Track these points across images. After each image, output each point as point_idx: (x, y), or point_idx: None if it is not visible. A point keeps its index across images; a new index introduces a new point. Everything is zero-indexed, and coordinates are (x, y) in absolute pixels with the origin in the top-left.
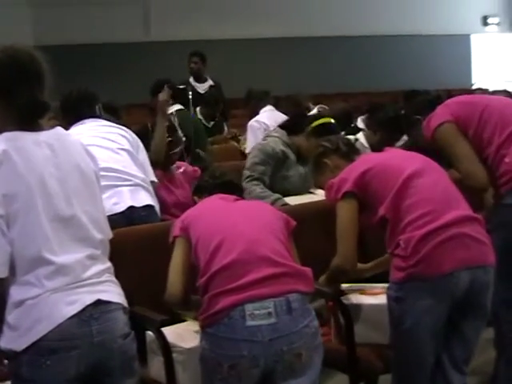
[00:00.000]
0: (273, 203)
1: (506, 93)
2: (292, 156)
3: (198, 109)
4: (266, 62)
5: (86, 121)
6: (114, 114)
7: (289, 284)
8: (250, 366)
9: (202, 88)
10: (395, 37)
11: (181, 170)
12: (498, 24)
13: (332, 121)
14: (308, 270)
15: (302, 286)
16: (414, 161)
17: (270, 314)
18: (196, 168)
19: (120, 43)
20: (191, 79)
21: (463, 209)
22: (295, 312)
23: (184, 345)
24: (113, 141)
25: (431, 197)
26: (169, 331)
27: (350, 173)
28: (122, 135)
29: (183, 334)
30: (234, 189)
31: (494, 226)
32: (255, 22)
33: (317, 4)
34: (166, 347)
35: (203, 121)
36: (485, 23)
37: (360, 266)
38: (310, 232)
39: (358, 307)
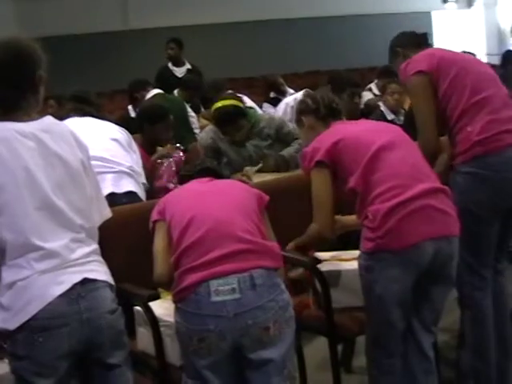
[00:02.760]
0: None
1: None
2: (223, 144)
3: (175, 91)
4: (241, 46)
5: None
6: (83, 102)
7: (253, 260)
8: (218, 340)
9: (179, 72)
10: (359, 16)
11: (171, 159)
12: (456, 1)
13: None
14: (275, 246)
15: (268, 262)
16: (385, 134)
17: (233, 289)
18: (181, 155)
19: (100, 32)
20: (169, 64)
21: (431, 181)
22: (259, 287)
23: (171, 319)
24: (106, 131)
25: (399, 170)
26: (156, 306)
27: (321, 142)
28: (117, 130)
29: (170, 309)
30: (211, 173)
31: (454, 192)
32: (230, 6)
33: None
34: (153, 321)
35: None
36: (444, 1)
37: (343, 218)
38: (285, 206)
39: (334, 273)
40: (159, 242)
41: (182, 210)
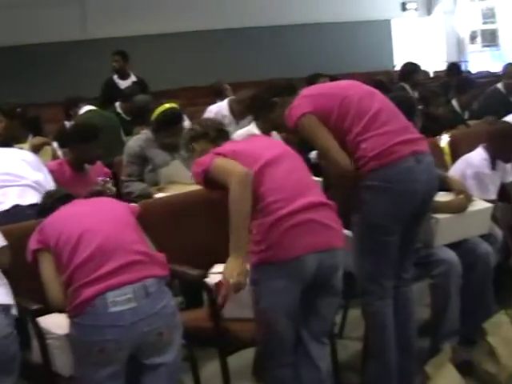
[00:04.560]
0: (140, 193)
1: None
2: (153, 150)
3: (117, 104)
4: (194, 54)
5: None
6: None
7: (145, 270)
8: (116, 349)
9: (124, 85)
10: (318, 24)
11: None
12: (416, 9)
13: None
14: (162, 256)
15: (158, 271)
16: (272, 149)
17: (130, 299)
18: (107, 171)
19: (58, 42)
20: (115, 76)
21: (314, 195)
22: (152, 295)
23: (60, 331)
24: (15, 152)
25: (283, 185)
26: (48, 319)
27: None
28: (26, 153)
29: (62, 322)
30: (72, 199)
31: (355, 206)
32: (188, 16)
33: None
34: (40, 334)
35: (123, 115)
36: (404, 8)
37: None
38: (193, 219)
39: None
40: (47, 270)
41: (69, 231)
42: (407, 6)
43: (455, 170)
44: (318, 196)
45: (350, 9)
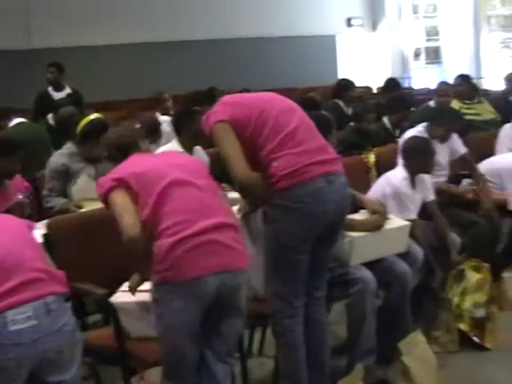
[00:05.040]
0: (61, 208)
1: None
2: (78, 164)
3: (49, 116)
4: (138, 65)
5: None
6: None
7: (45, 287)
8: (18, 367)
9: (58, 96)
10: (265, 39)
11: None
12: (361, 25)
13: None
14: (61, 273)
15: (58, 288)
16: (181, 168)
17: (29, 317)
18: (27, 185)
19: (2, 51)
20: (50, 88)
21: (218, 217)
22: (53, 312)
23: None
24: None
25: (187, 205)
26: None
27: (117, 171)
28: None
29: None
30: None
31: (265, 222)
32: (133, 27)
33: (191, 8)
34: None
35: (55, 127)
36: (349, 24)
37: None
38: (104, 236)
39: (127, 305)
40: None
41: None
42: (352, 22)
43: (376, 188)
44: (222, 217)
45: (295, 23)
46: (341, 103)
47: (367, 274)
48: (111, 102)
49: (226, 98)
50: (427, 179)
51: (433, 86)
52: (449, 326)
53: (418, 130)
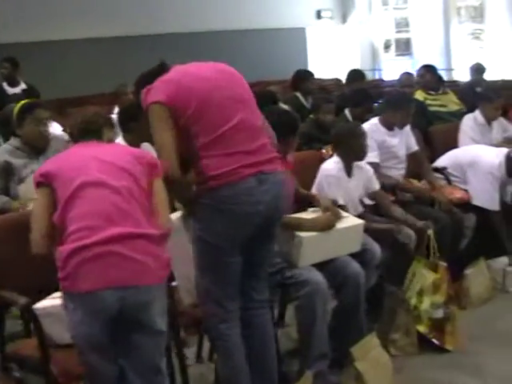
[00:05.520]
0: (2, 207)
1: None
2: (20, 160)
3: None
4: (102, 60)
5: None
6: None
7: None
8: None
9: (12, 92)
10: (234, 32)
11: None
12: (331, 17)
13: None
14: None
15: None
16: (102, 166)
17: None
18: None
19: None
20: (4, 84)
21: (129, 226)
22: None
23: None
24: None
25: (95, 210)
26: None
27: (48, 163)
28: None
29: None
30: None
31: (194, 222)
32: (98, 22)
33: (155, 1)
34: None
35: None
36: (319, 17)
37: None
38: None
39: (51, 309)
40: None
41: None
42: (322, 14)
43: (315, 184)
44: (135, 226)
45: (264, 16)
46: (299, 95)
47: (317, 276)
48: (74, 98)
49: (169, 75)
50: (368, 169)
51: None
52: (407, 327)
53: (373, 122)
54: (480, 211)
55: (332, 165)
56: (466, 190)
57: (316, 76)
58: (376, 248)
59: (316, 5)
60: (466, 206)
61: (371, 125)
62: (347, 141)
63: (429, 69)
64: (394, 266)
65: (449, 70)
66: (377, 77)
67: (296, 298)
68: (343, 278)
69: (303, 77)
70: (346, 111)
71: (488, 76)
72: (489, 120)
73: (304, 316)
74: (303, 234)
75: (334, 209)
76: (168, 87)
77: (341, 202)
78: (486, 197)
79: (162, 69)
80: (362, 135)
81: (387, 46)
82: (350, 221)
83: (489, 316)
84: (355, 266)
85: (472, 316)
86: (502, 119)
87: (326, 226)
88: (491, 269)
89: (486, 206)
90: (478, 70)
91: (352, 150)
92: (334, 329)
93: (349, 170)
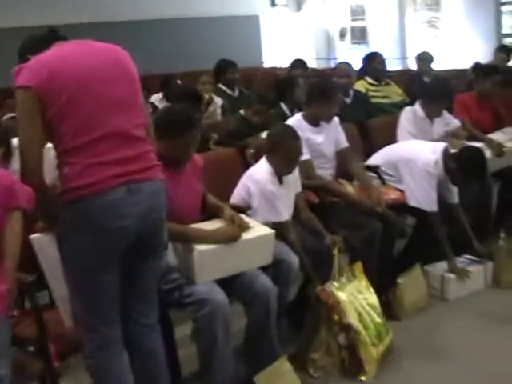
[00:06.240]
0: None
1: None
2: None
3: None
4: None
5: None
6: None
7: None
8: None
9: None
10: (187, 19)
11: None
12: (285, 5)
13: None
14: None
15: None
16: None
17: None
18: None
19: None
20: None
21: None
22: None
23: None
24: None
25: None
26: None
27: None
28: None
29: None
30: None
31: (57, 238)
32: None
33: None
34: None
35: None
36: (273, 4)
37: None
38: None
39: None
40: None
41: None
42: (276, 2)
43: (239, 187)
44: None
45: (217, 3)
46: (222, 86)
47: (218, 294)
48: None
49: (48, 55)
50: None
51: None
52: (328, 346)
53: (296, 118)
54: (418, 212)
55: (265, 176)
56: (401, 190)
57: (269, 65)
58: (293, 258)
59: None
60: (402, 207)
61: (294, 121)
62: (282, 143)
63: (375, 57)
64: (316, 276)
65: (403, 58)
66: (332, 66)
67: (194, 319)
68: (252, 294)
69: (223, 67)
70: (282, 104)
71: (442, 65)
72: (430, 117)
73: (203, 339)
74: (201, 247)
75: (239, 219)
76: (40, 72)
77: (284, 218)
78: (422, 197)
79: (52, 37)
80: (298, 138)
81: (343, 35)
82: (257, 231)
83: (424, 327)
84: (265, 280)
85: (406, 327)
86: (444, 112)
87: (227, 237)
88: (429, 275)
89: (423, 207)
90: (424, 59)
91: (287, 154)
92: (246, 350)
93: (280, 177)
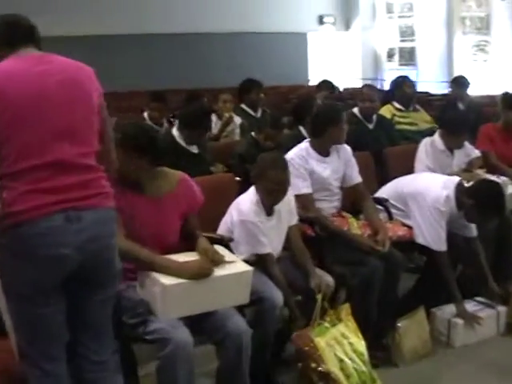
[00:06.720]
0: None
1: None
2: None
3: None
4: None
5: None
6: None
7: None
8: None
9: None
10: (237, 34)
11: None
12: (333, 23)
13: None
14: None
15: None
16: None
17: None
18: None
19: None
20: None
21: None
22: None
23: None
24: None
25: None
26: None
27: None
28: None
29: None
30: None
31: None
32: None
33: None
34: None
35: None
36: (321, 22)
37: None
38: None
39: None
40: None
41: None
42: (324, 20)
43: (226, 216)
44: None
45: (266, 19)
46: (244, 107)
47: (182, 334)
48: None
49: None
50: (290, 200)
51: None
52: None
53: (302, 147)
54: (427, 250)
55: (249, 205)
56: (409, 226)
57: (315, 83)
58: (277, 295)
59: (318, 10)
60: (410, 244)
61: (300, 149)
62: (265, 172)
63: (405, 81)
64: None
65: (449, 82)
66: (379, 87)
67: (158, 358)
68: (223, 334)
69: (246, 88)
70: (301, 127)
71: (490, 90)
72: (450, 149)
73: (164, 380)
74: (166, 281)
75: (214, 252)
76: None
77: (267, 250)
78: (430, 234)
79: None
80: (283, 168)
81: (391, 55)
82: (234, 267)
83: (423, 375)
84: (238, 321)
85: (402, 375)
86: (465, 143)
87: (196, 272)
88: (436, 318)
89: (430, 246)
90: (459, 83)
91: (268, 184)
92: None
93: (269, 207)
